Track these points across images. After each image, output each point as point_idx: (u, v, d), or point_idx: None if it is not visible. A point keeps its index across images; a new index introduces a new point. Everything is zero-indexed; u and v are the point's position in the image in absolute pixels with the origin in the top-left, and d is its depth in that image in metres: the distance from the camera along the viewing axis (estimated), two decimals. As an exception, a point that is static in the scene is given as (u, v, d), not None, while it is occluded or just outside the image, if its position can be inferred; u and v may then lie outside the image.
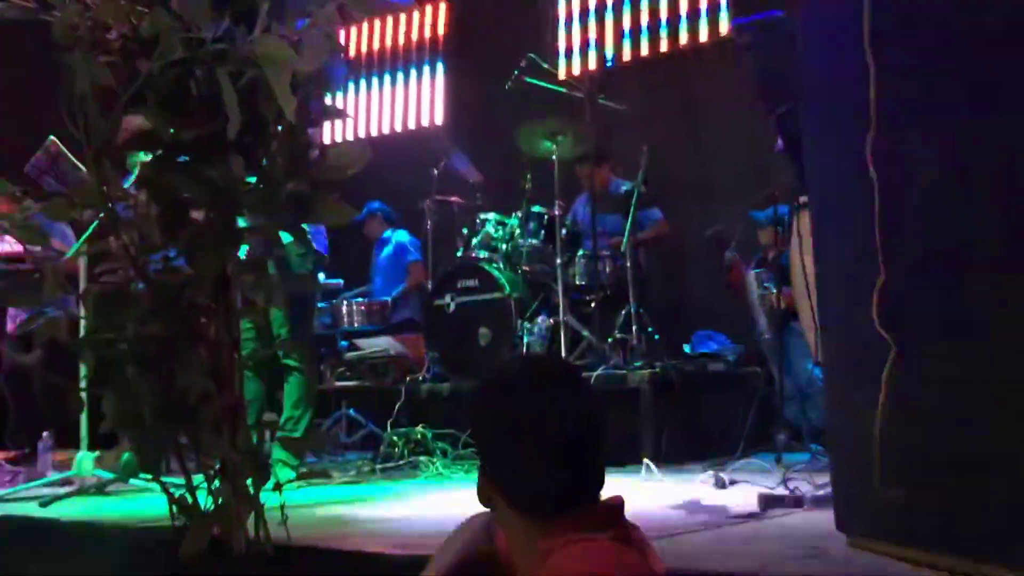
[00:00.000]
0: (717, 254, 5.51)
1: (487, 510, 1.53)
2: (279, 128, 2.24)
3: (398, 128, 7.94)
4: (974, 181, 1.69)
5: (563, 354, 4.82)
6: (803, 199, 3.21)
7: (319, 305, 6.13)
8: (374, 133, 7.99)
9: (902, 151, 1.83)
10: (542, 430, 1.43)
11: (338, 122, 7.99)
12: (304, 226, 2.41)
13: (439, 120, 7.69)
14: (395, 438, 4.67)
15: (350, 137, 7.90)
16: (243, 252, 2.36)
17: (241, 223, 2.30)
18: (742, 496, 3.26)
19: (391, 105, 8.00)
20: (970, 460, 1.71)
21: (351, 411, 5.72)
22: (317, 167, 2.23)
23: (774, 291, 4.73)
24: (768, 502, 2.99)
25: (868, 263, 1.86)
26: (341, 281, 6.51)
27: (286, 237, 2.36)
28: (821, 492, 2.98)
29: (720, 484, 3.59)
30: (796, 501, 3.00)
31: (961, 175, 1.72)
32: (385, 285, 6.74)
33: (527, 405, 1.46)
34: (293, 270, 3.81)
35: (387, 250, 6.80)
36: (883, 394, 1.80)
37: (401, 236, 6.78)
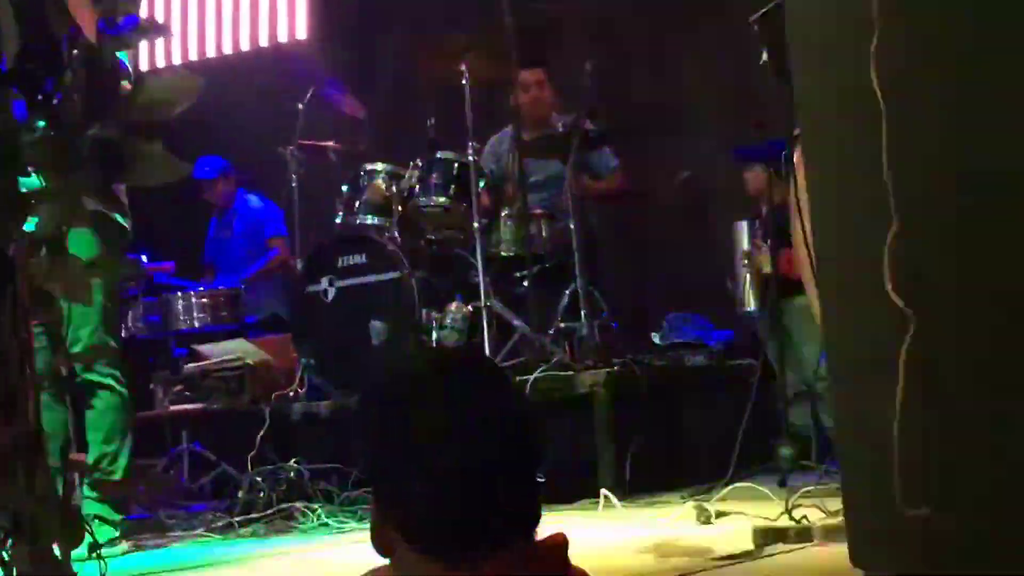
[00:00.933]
0: (691, 208, 5.65)
1: (386, 562, 1.58)
2: (75, 51, 2.24)
3: (244, 47, 7.89)
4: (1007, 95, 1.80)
5: (486, 350, 4.89)
6: (798, 130, 3.32)
7: (147, 300, 6.11)
8: (210, 55, 7.92)
9: (915, 63, 1.92)
10: (448, 448, 1.49)
11: (159, 42, 7.90)
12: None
13: (301, 35, 7.67)
14: (258, 479, 4.68)
15: (177, 63, 7.82)
16: (31, 226, 2.36)
17: (26, 185, 2.30)
18: (733, 531, 3.37)
19: (233, 15, 7.94)
20: (1014, 467, 1.82)
21: (195, 445, 5.70)
22: (130, 105, 2.24)
23: (766, 252, 4.84)
24: (767, 537, 3.09)
25: (876, 210, 1.96)
26: (171, 264, 6.48)
27: (89, 204, 2.37)
28: (836, 520, 3.08)
29: (704, 518, 3.69)
30: (803, 534, 3.11)
31: (991, 92, 1.82)
32: (234, 269, 6.72)
33: (427, 415, 1.51)
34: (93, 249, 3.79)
35: (234, 222, 6.78)
36: (901, 384, 1.90)
37: (254, 201, 6.78)
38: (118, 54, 2.25)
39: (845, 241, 2.18)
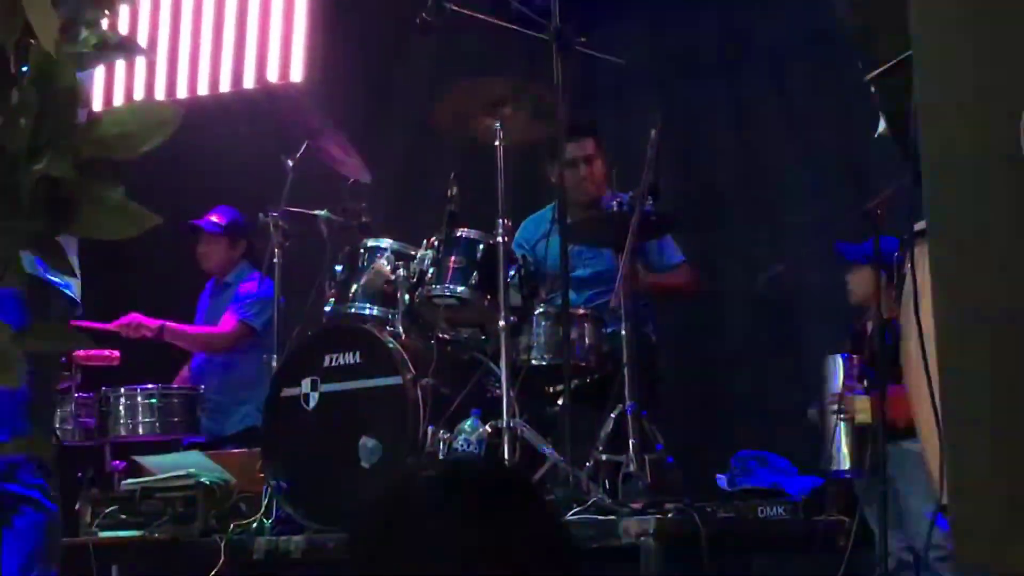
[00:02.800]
0: (775, 317, 5.64)
1: None
2: (24, 68, 2.26)
3: (224, 88, 7.99)
4: None
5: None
6: (921, 224, 3.32)
7: (81, 397, 6.11)
8: (181, 95, 8.03)
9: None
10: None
11: (114, 77, 8.00)
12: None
13: (296, 76, 7.77)
14: (208, 632, 4.65)
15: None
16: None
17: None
18: None
19: (213, 50, 8.06)
20: None
21: (128, 585, 5.66)
22: (89, 135, 2.26)
23: (863, 394, 4.83)
24: None
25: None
26: (116, 353, 6.48)
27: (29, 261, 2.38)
28: None
29: None
30: None
31: None
32: (213, 363, 6.74)
33: (434, 546, 1.49)
34: (33, 317, 3.79)
35: (224, 298, 6.82)
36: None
37: (253, 283, 6.78)
38: (80, 73, 2.27)
39: (985, 367, 2.14)
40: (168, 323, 6.50)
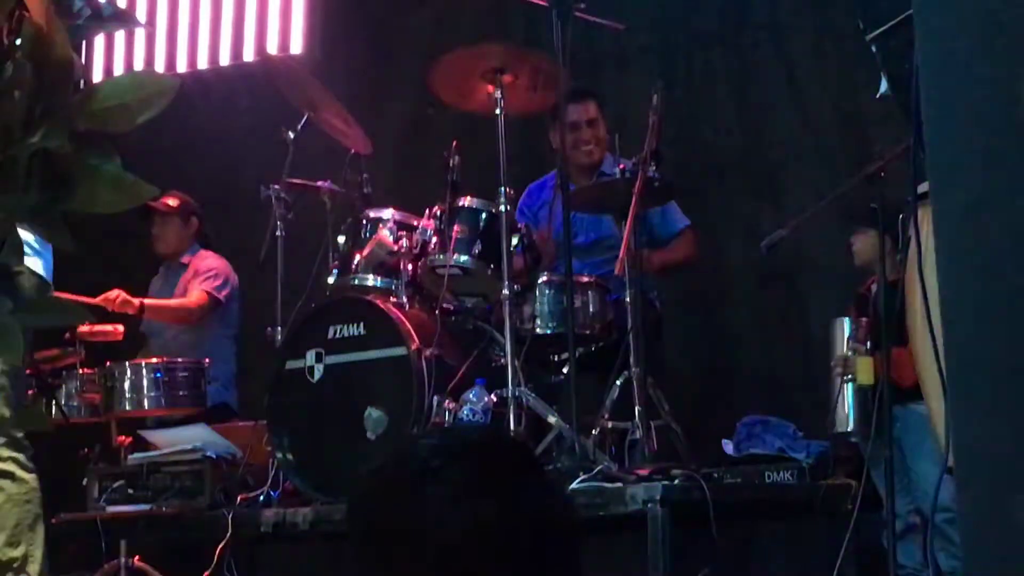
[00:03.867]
0: (778, 282, 5.62)
1: None
2: (18, 40, 2.25)
3: (223, 61, 7.97)
4: None
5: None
6: (924, 186, 3.30)
7: (79, 371, 6.10)
8: (181, 69, 8.02)
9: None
10: (462, 557, 1.46)
11: (110, 50, 7.99)
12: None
13: (296, 48, 7.75)
14: (216, 606, 4.66)
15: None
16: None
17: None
18: None
19: (212, 22, 8.04)
20: None
21: (136, 559, 5.67)
22: (84, 107, 2.24)
23: (867, 355, 4.83)
24: None
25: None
26: (120, 328, 6.49)
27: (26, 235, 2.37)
28: None
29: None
30: None
31: None
32: (166, 343, 6.74)
33: (436, 515, 1.48)
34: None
35: (178, 281, 6.82)
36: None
37: (208, 261, 6.81)
38: (73, 42, 2.25)
39: (989, 330, 2.13)
40: (146, 299, 6.54)
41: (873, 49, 3.00)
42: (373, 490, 1.57)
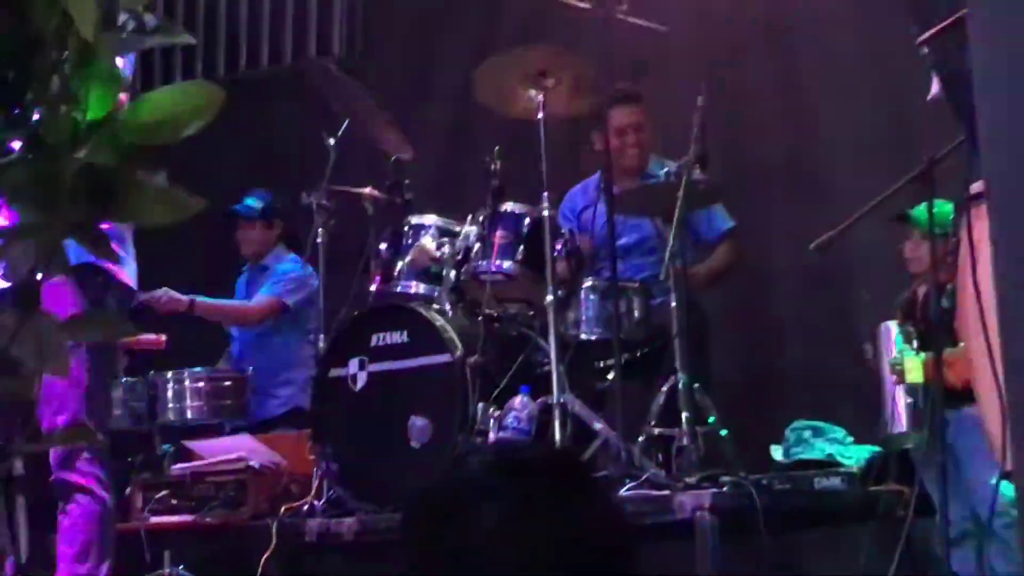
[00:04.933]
0: (827, 285, 5.58)
1: None
2: (65, 54, 2.26)
3: (262, 63, 8.00)
4: None
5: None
6: (977, 186, 3.28)
7: (123, 380, 6.13)
8: (220, 72, 8.05)
9: None
10: (542, 566, 1.46)
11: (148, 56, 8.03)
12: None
13: (335, 49, 7.77)
14: (260, 616, 4.68)
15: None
16: (-2, 273, 2.38)
17: (-8, 222, 2.32)
18: None
19: (249, 25, 8.06)
20: None
21: (180, 569, 5.69)
22: (131, 121, 2.25)
23: (915, 355, 4.80)
24: None
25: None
26: (163, 337, 6.51)
27: (74, 249, 2.39)
28: None
29: None
30: None
31: None
32: (252, 347, 6.76)
33: (490, 534, 1.48)
34: (89, 305, 3.83)
35: (263, 283, 6.84)
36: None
37: (287, 263, 6.81)
38: (120, 59, 2.27)
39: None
40: (198, 297, 6.51)
41: (924, 51, 2.99)
42: (427, 506, 1.57)
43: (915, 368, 4.91)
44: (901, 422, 5.02)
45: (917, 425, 4.93)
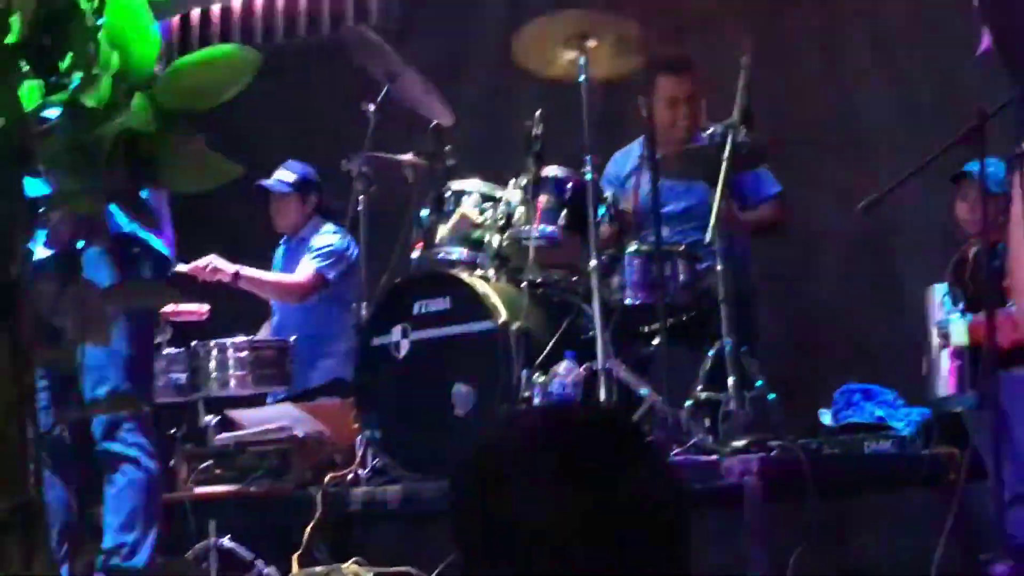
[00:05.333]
0: (873, 248, 5.55)
1: None
2: (100, 21, 2.26)
3: (300, 32, 8.01)
4: None
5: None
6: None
7: (165, 351, 6.16)
8: (258, 41, 8.06)
9: None
10: (567, 548, 1.45)
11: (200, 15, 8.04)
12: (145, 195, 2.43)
13: (372, 19, 7.76)
14: (307, 585, 4.70)
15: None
16: (39, 241, 2.38)
17: (34, 189, 2.32)
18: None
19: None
20: None
21: (226, 539, 5.72)
22: (169, 86, 2.26)
23: (961, 317, 4.77)
24: None
25: None
26: (205, 308, 6.54)
27: (117, 213, 2.39)
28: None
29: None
30: None
31: None
32: (292, 320, 6.78)
33: (540, 500, 1.47)
34: (125, 274, 3.84)
35: (300, 256, 6.84)
36: None
37: (326, 233, 6.81)
38: (157, 24, 2.27)
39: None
40: (243, 268, 6.51)
41: (975, 3, 2.95)
42: (474, 471, 1.55)
43: (960, 331, 4.88)
44: (949, 385, 4.99)
45: (964, 388, 4.90)
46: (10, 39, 2.21)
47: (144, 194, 2.40)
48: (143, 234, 4.02)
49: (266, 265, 6.91)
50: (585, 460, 1.51)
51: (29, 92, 2.26)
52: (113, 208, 2.48)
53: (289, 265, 6.88)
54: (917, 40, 6.26)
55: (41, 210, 2.32)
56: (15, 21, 2.17)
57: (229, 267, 6.39)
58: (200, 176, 2.44)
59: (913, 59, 6.33)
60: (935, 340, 5.02)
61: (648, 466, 1.53)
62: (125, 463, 4.22)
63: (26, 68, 2.23)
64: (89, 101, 2.25)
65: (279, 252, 7.02)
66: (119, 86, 2.25)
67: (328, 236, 6.75)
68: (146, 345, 4.46)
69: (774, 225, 6.02)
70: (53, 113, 2.31)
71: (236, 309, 6.78)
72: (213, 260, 6.36)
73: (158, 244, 4.22)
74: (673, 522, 1.52)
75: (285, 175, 6.81)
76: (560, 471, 1.49)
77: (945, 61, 6.03)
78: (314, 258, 6.69)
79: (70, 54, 2.27)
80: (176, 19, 8.03)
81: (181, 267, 6.05)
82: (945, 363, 4.99)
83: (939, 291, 5.05)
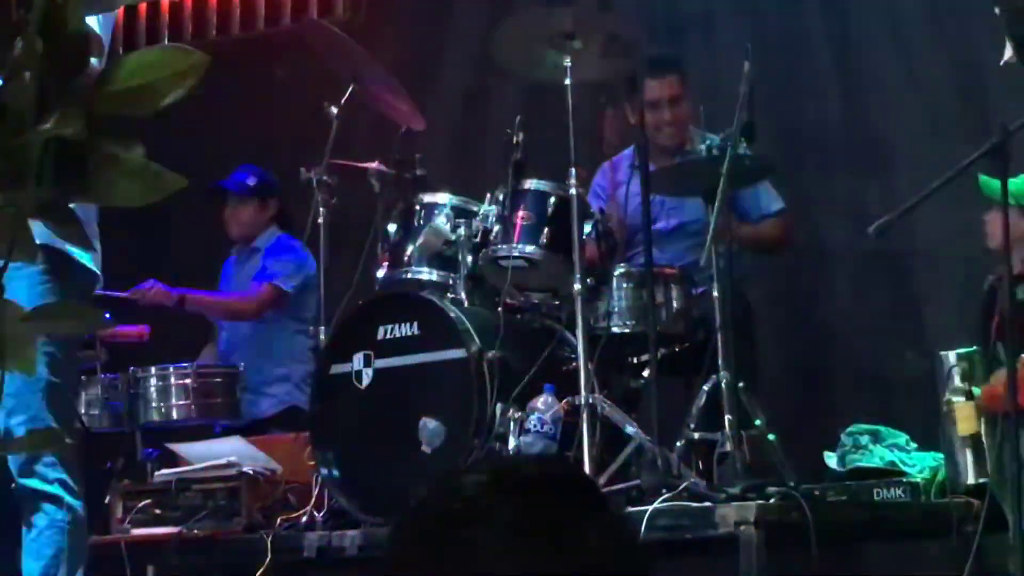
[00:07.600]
0: (887, 272, 5.55)
1: None
2: (28, 13, 2.25)
3: (258, 26, 8.01)
4: None
5: (584, 464, 4.85)
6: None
7: (101, 376, 6.15)
8: (211, 36, 8.07)
9: None
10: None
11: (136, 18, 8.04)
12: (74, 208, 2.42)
13: (339, 11, 7.77)
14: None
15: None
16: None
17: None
18: None
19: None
20: None
21: (166, 588, 5.72)
22: (103, 88, 2.24)
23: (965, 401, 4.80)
24: None
25: None
26: (144, 328, 6.53)
27: (40, 230, 2.38)
28: None
29: None
30: None
31: None
32: (239, 337, 6.76)
33: (484, 556, 1.47)
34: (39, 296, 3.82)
35: (248, 266, 6.84)
36: None
37: (285, 245, 6.81)
38: (90, 18, 2.25)
39: None
40: (189, 291, 6.50)
41: (996, 12, 2.97)
42: (413, 532, 1.55)
43: (967, 418, 4.92)
44: (965, 466, 5.04)
45: (979, 468, 4.97)
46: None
47: (72, 206, 2.39)
48: (72, 250, 4.00)
49: (212, 276, 6.90)
50: (538, 520, 1.50)
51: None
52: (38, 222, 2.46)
53: (240, 277, 6.87)
54: (938, 42, 6.28)
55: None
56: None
57: (173, 292, 6.38)
58: (139, 189, 2.41)
59: (933, 62, 6.35)
60: (947, 419, 5.07)
61: (606, 525, 1.53)
62: (46, 502, 4.18)
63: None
64: (14, 104, 2.23)
65: (228, 263, 7.01)
66: (47, 88, 2.23)
67: (284, 245, 6.74)
68: (68, 370, 4.42)
69: (776, 245, 6.04)
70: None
71: (179, 330, 6.76)
72: (155, 285, 6.36)
73: (87, 260, 4.20)
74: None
75: (244, 177, 6.80)
76: (508, 532, 1.48)
77: (968, 64, 6.06)
78: (269, 270, 6.68)
79: (-6, 51, 2.26)
80: (121, 10, 8.05)
81: (119, 293, 6.06)
82: (960, 452, 5.03)
83: (947, 360, 5.07)
